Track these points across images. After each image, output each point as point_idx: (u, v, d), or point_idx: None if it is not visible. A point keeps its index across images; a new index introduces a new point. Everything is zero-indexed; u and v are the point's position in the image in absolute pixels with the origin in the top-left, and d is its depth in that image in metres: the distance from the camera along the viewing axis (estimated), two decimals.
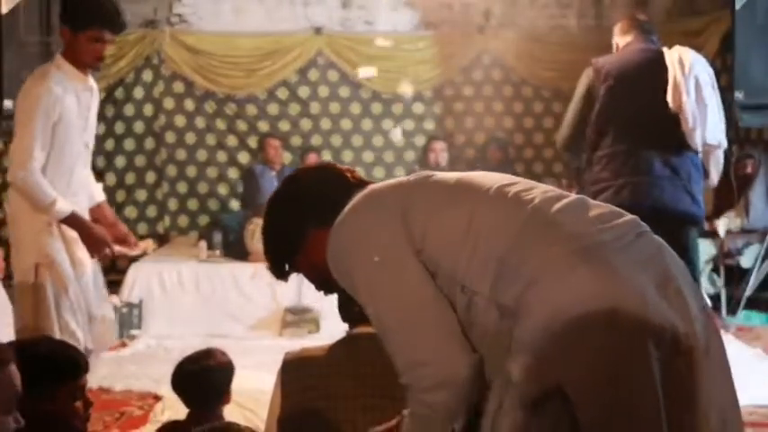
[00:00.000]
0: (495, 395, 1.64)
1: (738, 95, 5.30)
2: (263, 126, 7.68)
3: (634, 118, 3.98)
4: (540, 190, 1.76)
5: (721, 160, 4.10)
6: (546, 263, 1.61)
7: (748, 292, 5.81)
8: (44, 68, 3.39)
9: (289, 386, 2.26)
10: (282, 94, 7.73)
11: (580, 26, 7.86)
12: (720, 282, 6.33)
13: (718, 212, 6.64)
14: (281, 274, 1.95)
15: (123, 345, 5.88)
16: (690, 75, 3.93)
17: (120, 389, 4.70)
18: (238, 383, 2.83)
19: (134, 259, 6.02)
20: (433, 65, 7.75)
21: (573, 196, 1.76)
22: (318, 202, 1.86)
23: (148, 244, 3.93)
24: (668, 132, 3.95)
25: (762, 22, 5.34)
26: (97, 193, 3.66)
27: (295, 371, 2.28)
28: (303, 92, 7.74)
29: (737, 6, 5.31)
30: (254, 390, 3.60)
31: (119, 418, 4.19)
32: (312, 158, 7.42)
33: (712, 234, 6.49)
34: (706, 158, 4.05)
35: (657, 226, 3.72)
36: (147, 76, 7.51)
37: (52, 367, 2.15)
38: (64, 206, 3.26)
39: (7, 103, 5.90)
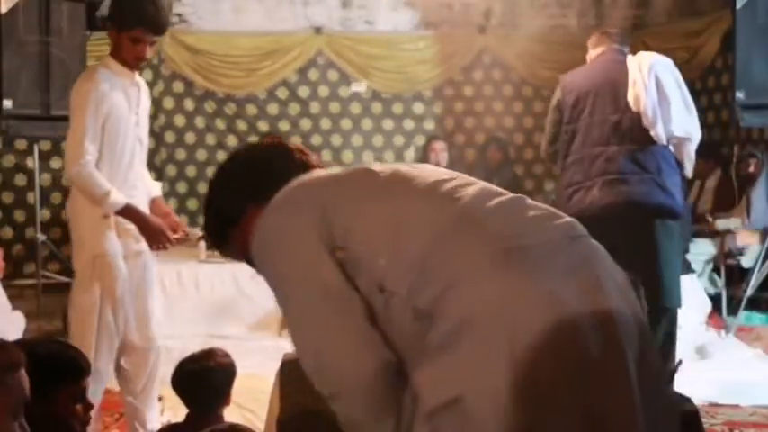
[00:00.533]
0: (406, 412, 1.55)
1: (739, 95, 5.29)
2: (263, 126, 7.67)
3: (599, 124, 4.14)
4: (476, 187, 1.67)
5: (693, 152, 4.16)
6: (465, 266, 1.53)
7: (749, 292, 5.79)
8: (92, 67, 3.53)
9: (288, 387, 2.24)
10: (282, 93, 7.73)
11: (580, 26, 7.85)
12: (721, 282, 6.32)
13: (718, 211, 6.64)
14: (218, 245, 1.90)
15: None
16: (650, 74, 4.04)
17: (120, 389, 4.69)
18: (238, 384, 2.83)
19: None
20: (433, 65, 7.74)
21: (509, 195, 1.68)
22: (257, 180, 1.82)
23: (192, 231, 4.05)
24: (633, 131, 4.07)
25: (762, 22, 5.33)
26: (153, 188, 3.72)
27: (294, 371, 2.26)
28: (303, 92, 7.74)
29: (738, 6, 5.30)
30: (253, 390, 3.59)
31: (118, 419, 4.18)
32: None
33: (713, 234, 6.48)
34: (678, 151, 4.13)
35: (631, 220, 3.72)
36: (147, 75, 7.48)
37: (53, 368, 2.13)
38: (118, 198, 3.30)
39: (6, 103, 5.90)
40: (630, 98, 4.06)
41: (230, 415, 2.90)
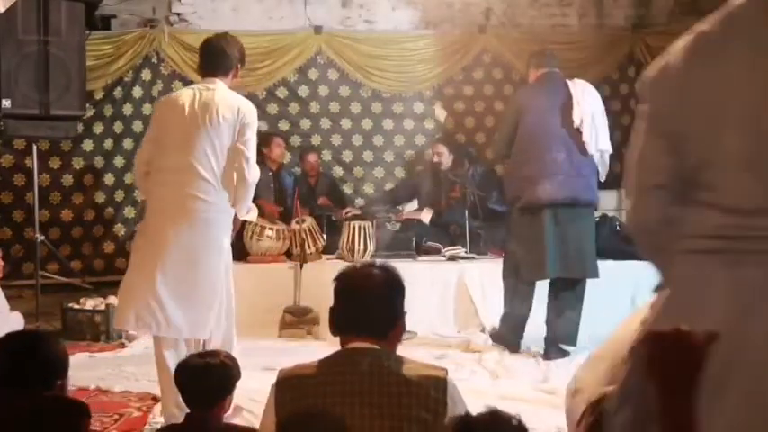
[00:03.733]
0: None
1: None
2: (262, 125, 7.64)
3: (550, 134, 5.34)
4: None
5: (607, 161, 5.52)
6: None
7: None
8: None
9: (283, 407, 2.20)
10: (282, 93, 7.70)
11: (581, 25, 7.84)
12: None
13: None
14: None
15: (122, 346, 5.87)
16: (588, 100, 5.44)
17: (119, 390, 4.69)
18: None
19: None
20: (433, 64, 7.72)
21: None
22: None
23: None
24: (575, 142, 5.34)
25: None
26: None
27: (289, 390, 2.22)
28: (303, 91, 7.71)
29: None
30: (251, 390, 3.58)
31: (117, 420, 4.17)
32: (312, 158, 7.39)
33: None
34: (600, 160, 5.47)
35: (570, 209, 5.18)
36: (146, 75, 7.47)
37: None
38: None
39: (5, 103, 5.89)
40: (576, 117, 5.31)
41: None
